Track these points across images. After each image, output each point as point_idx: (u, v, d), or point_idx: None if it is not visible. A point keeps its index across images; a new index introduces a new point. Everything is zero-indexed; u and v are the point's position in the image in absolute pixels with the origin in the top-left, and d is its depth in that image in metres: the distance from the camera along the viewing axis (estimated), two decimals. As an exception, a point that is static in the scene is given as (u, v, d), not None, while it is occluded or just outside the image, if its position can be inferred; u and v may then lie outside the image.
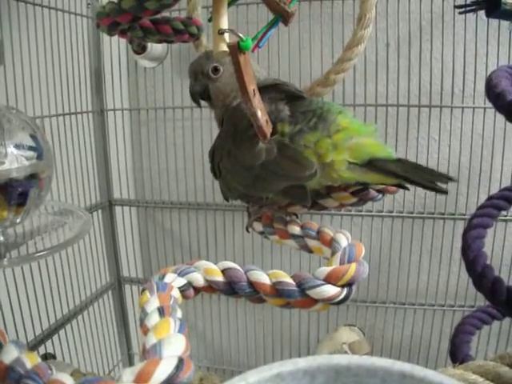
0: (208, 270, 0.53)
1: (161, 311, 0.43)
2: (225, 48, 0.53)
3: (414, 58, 1.05)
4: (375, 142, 0.57)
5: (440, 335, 1.16)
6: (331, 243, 0.55)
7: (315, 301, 0.49)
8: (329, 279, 0.49)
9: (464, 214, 1.06)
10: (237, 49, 0.51)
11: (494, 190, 1.04)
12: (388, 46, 1.05)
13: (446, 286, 1.12)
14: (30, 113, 0.91)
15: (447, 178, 0.52)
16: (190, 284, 0.53)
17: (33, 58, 0.91)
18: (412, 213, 1.09)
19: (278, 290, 0.50)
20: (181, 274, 0.53)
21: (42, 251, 0.59)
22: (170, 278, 0.52)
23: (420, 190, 1.09)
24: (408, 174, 0.53)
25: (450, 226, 1.09)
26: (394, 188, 0.71)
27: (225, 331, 1.32)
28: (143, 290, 0.49)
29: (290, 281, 0.50)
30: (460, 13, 0.90)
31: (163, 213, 1.29)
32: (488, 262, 0.67)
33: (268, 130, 0.58)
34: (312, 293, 0.48)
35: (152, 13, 0.59)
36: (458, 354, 0.75)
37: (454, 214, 1.07)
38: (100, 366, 1.16)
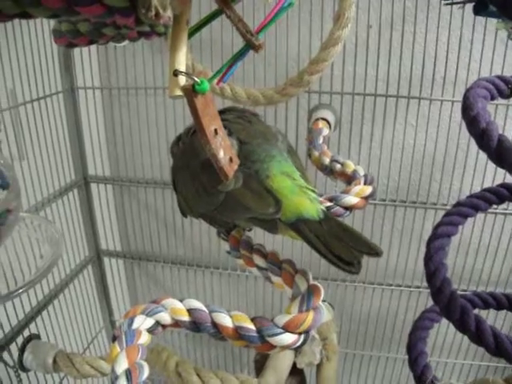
0: (174, 310, 0.55)
1: (128, 376, 0.45)
2: (179, 93, 0.50)
3: (395, 42, 1.00)
4: (304, 200, 0.55)
5: (405, 314, 1.22)
6: (292, 285, 0.57)
7: (274, 346, 0.52)
8: (287, 327, 0.51)
9: (435, 204, 1.08)
10: (191, 93, 0.48)
11: (469, 178, 1.06)
12: (370, 27, 1.00)
13: (414, 268, 1.17)
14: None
15: (375, 253, 0.48)
16: (158, 323, 0.55)
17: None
18: (384, 200, 1.11)
19: (239, 334, 0.52)
20: (149, 315, 0.55)
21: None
22: (138, 321, 0.53)
23: (394, 177, 1.10)
24: (318, 243, 0.49)
25: (421, 213, 1.11)
26: (363, 202, 0.72)
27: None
28: (114, 340, 0.51)
29: (251, 326, 0.52)
30: (446, 4, 0.85)
31: (138, 190, 1.29)
32: (447, 275, 0.69)
33: (231, 169, 0.53)
34: (271, 340, 0.51)
35: (110, 38, 0.56)
36: (413, 351, 0.80)
37: (425, 203, 1.09)
38: (83, 335, 1.21)
